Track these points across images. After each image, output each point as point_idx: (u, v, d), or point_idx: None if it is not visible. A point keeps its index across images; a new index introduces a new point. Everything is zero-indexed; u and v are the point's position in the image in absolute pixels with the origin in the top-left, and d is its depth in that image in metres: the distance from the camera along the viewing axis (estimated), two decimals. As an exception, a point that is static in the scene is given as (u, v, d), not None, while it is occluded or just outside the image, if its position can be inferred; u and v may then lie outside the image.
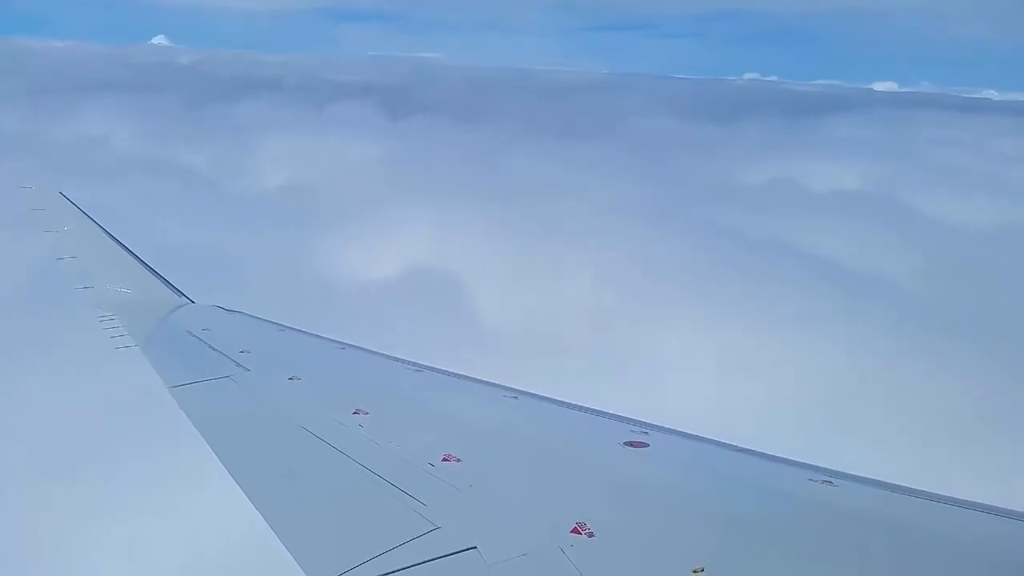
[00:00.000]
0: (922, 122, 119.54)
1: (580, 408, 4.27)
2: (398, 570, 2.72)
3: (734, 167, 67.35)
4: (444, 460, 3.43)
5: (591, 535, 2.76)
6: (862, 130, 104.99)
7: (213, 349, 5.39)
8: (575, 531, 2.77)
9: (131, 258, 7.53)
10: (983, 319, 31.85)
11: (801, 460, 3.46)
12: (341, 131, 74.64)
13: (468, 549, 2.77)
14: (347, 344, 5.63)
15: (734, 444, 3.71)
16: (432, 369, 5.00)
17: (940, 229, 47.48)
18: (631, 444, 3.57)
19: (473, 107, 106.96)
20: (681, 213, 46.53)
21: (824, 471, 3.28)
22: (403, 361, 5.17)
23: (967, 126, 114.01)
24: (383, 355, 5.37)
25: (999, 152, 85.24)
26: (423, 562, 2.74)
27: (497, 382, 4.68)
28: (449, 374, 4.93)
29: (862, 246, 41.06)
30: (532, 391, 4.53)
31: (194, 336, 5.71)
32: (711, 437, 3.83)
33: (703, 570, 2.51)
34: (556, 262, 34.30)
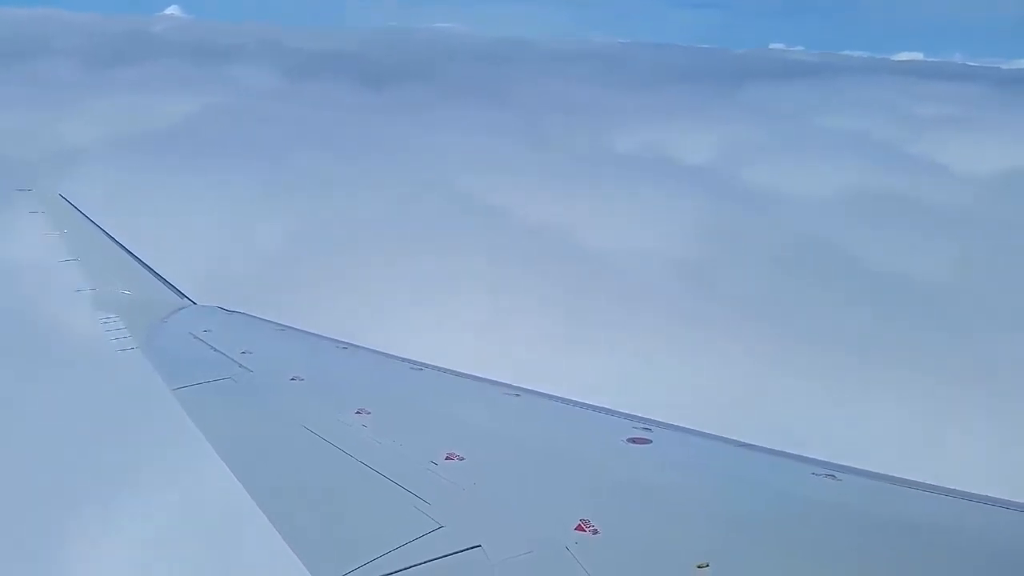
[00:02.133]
0: (889, 90, 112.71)
1: (582, 405, 4.27)
2: (402, 569, 2.72)
3: (619, 137, 64.18)
4: (447, 458, 3.44)
5: (596, 532, 2.76)
6: (811, 98, 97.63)
7: (215, 350, 5.39)
8: (579, 528, 2.78)
9: (131, 259, 7.53)
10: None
11: (803, 454, 3.47)
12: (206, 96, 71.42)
13: (472, 547, 2.78)
14: (349, 344, 5.64)
15: (736, 439, 3.72)
16: (434, 368, 5.01)
17: (749, 204, 45.71)
18: (634, 440, 3.57)
19: (418, 76, 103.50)
20: (492, 183, 43.47)
21: (827, 465, 3.29)
22: (405, 360, 5.18)
23: (932, 94, 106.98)
24: (385, 354, 5.38)
25: (924, 118, 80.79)
26: (427, 561, 2.74)
27: (498, 380, 4.70)
28: (451, 372, 4.93)
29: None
30: (534, 389, 4.54)
31: (195, 337, 5.71)
32: (713, 432, 3.84)
33: (708, 565, 2.52)
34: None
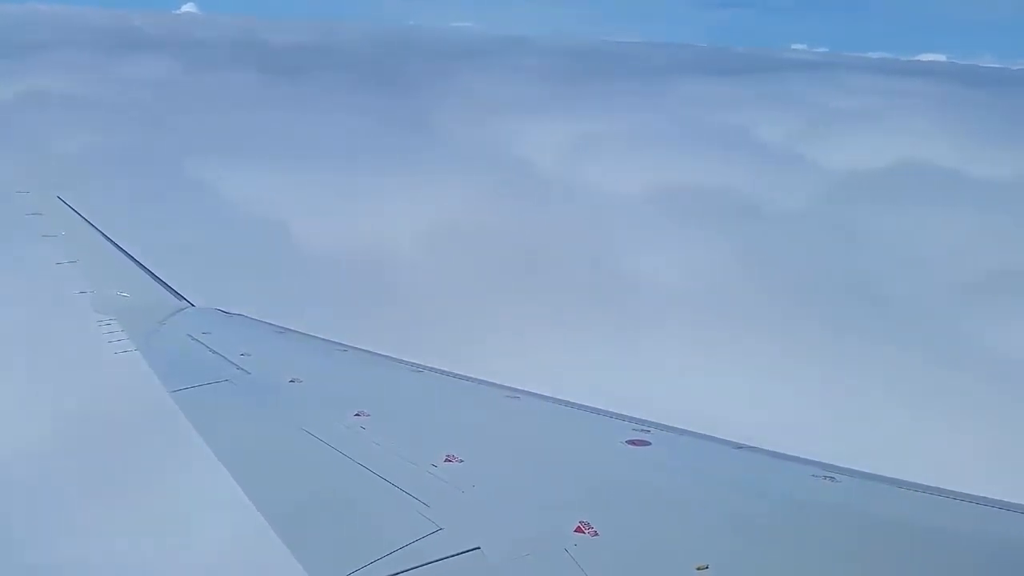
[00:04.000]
0: (853, 88, 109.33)
1: (581, 407, 4.27)
2: (402, 571, 2.72)
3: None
4: (446, 461, 3.44)
5: (595, 534, 2.77)
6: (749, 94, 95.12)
7: (213, 352, 5.38)
8: (579, 530, 2.78)
9: (130, 262, 7.52)
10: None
11: (801, 456, 3.48)
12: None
13: (472, 550, 2.78)
14: (348, 346, 5.64)
15: (735, 441, 3.72)
16: (433, 370, 5.01)
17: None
18: (633, 443, 3.57)
19: (357, 70, 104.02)
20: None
21: (826, 467, 3.29)
22: (404, 362, 5.18)
23: (903, 92, 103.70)
24: (384, 356, 5.38)
25: (835, 113, 79.67)
26: (427, 563, 2.74)
27: (498, 382, 4.70)
28: (450, 375, 4.93)
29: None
30: (533, 391, 4.54)
31: (194, 340, 5.71)
32: (712, 434, 3.85)
33: (707, 567, 2.52)
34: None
